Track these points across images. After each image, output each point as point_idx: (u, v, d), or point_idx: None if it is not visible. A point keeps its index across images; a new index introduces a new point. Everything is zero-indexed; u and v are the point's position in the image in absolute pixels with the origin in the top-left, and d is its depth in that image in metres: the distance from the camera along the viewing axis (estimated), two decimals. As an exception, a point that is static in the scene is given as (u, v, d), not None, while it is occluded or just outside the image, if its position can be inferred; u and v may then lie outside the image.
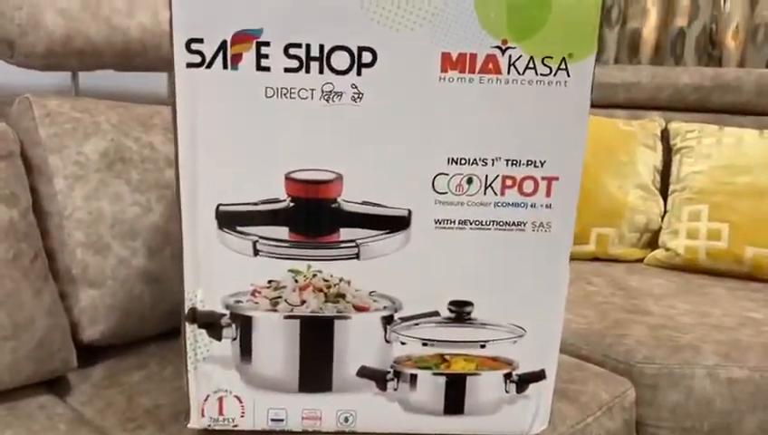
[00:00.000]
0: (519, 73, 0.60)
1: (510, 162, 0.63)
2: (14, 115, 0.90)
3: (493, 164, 0.62)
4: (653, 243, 1.45)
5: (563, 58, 0.60)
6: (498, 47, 0.60)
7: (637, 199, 1.45)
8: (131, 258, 0.86)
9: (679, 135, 1.53)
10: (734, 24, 1.76)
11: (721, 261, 1.33)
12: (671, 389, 0.93)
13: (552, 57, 0.60)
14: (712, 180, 1.40)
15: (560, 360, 0.71)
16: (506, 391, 0.68)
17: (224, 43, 0.59)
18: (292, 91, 0.60)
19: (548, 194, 0.63)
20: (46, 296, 0.80)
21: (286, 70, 0.59)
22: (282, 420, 0.68)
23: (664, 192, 1.50)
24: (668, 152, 1.54)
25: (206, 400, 0.67)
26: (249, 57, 0.59)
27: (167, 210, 0.90)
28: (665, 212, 1.46)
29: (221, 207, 0.62)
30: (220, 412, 0.68)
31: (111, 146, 0.90)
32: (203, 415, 0.68)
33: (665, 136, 1.56)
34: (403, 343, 0.66)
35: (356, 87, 0.60)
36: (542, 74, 0.60)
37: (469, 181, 0.63)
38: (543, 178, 0.63)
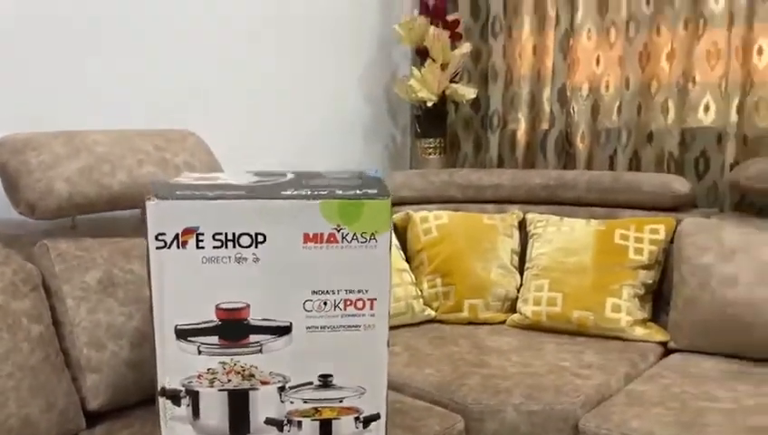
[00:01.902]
0: (348, 242, 1.06)
1: (348, 291, 1.08)
2: (36, 256, 1.33)
3: (338, 293, 1.07)
4: (512, 308, 1.91)
5: (372, 233, 1.06)
6: (335, 228, 1.05)
7: (498, 276, 1.92)
8: (120, 352, 1.28)
9: (532, 224, 2.01)
10: (581, 130, 2.28)
11: (557, 322, 1.80)
12: (490, 421, 1.37)
13: (366, 232, 1.06)
14: (552, 260, 1.88)
15: (412, 403, 1.15)
16: (356, 428, 1.12)
17: (177, 235, 1.03)
18: (217, 259, 1.04)
19: (371, 308, 1.09)
20: (64, 382, 1.21)
21: (214, 247, 1.04)
22: (220, 453, 1.10)
23: (522, 269, 1.97)
24: (526, 237, 2.02)
25: (172, 443, 1.09)
26: (192, 242, 1.03)
27: (144, 317, 1.33)
28: (521, 285, 1.94)
29: (178, 326, 1.06)
30: (181, 451, 1.10)
31: (104, 274, 1.33)
32: (170, 453, 1.10)
33: (523, 225, 2.05)
34: (292, 402, 1.10)
35: (255, 255, 1.05)
36: (361, 242, 1.06)
37: (325, 303, 1.08)
38: (368, 299, 1.08)
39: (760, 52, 1.96)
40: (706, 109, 2.06)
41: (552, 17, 2.30)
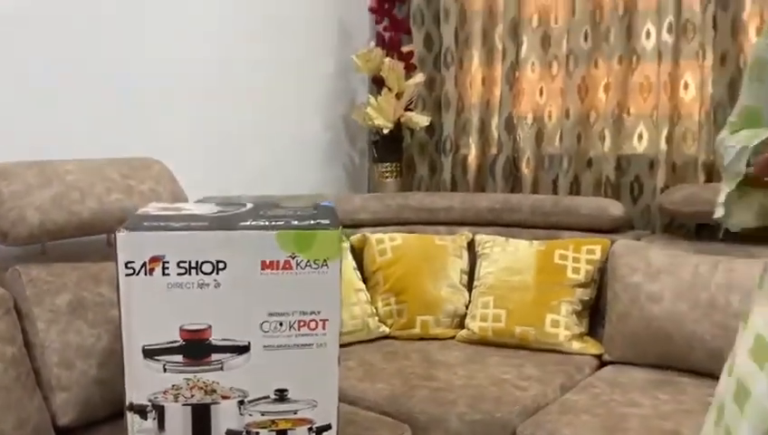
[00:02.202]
0: (302, 268, 1.17)
1: (301, 313, 1.19)
2: (9, 281, 1.41)
3: (292, 315, 1.19)
4: (461, 325, 2.04)
5: (324, 260, 1.18)
6: (290, 256, 1.17)
7: (448, 294, 2.05)
8: (89, 371, 1.37)
9: (480, 245, 2.15)
10: (527, 156, 2.44)
11: (501, 336, 1.94)
12: (436, 429, 1.49)
13: (318, 260, 1.17)
14: (497, 279, 2.02)
15: (364, 415, 1.26)
16: (310, 437, 1.23)
17: (144, 263, 1.13)
18: (181, 284, 1.14)
19: (323, 328, 1.20)
20: (36, 400, 1.30)
21: (178, 274, 1.14)
22: (183, 463, 1.20)
23: (470, 287, 2.10)
24: (474, 257, 2.16)
25: (139, 455, 1.18)
26: (158, 269, 1.14)
27: (112, 337, 1.41)
28: (469, 302, 2.07)
29: (145, 347, 1.15)
30: (147, 461, 1.19)
31: (74, 298, 1.41)
32: (137, 464, 1.19)
33: (472, 245, 2.18)
34: (250, 415, 1.20)
35: (216, 281, 1.15)
36: (314, 268, 1.18)
37: (281, 324, 1.19)
38: (320, 320, 1.20)
39: (686, 86, 2.14)
40: (640, 137, 2.24)
41: (500, 50, 2.46)
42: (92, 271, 1.48)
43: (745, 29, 2.02)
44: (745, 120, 1.06)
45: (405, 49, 2.54)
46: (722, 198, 1.04)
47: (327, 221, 1.23)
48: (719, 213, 1.06)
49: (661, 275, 1.77)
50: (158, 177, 1.74)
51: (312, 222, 1.21)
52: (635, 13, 2.19)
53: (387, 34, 2.53)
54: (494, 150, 2.54)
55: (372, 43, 2.54)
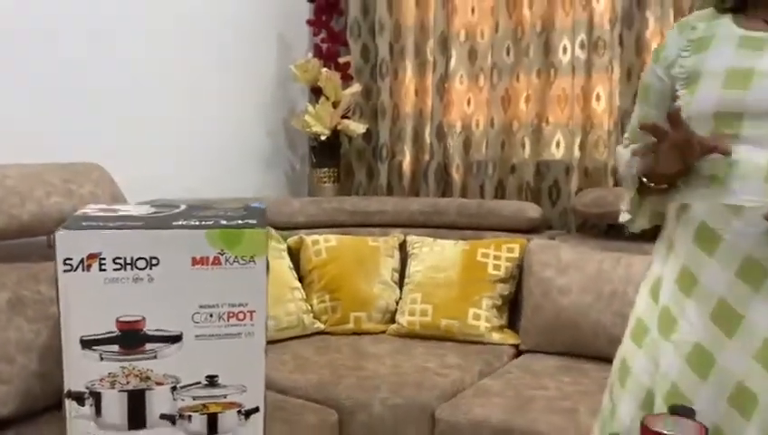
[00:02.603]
0: (230, 264, 1.28)
1: (230, 305, 1.30)
2: (-51, 280, 1.47)
3: (222, 307, 1.29)
4: (392, 320, 2.17)
5: (251, 256, 1.29)
6: (219, 253, 1.27)
7: (380, 291, 2.18)
8: (29, 365, 1.45)
9: (411, 245, 2.29)
10: (456, 162, 2.59)
11: (428, 329, 2.08)
12: (360, 413, 1.62)
13: (246, 256, 1.29)
14: (424, 276, 2.16)
15: (294, 402, 1.37)
16: (239, 420, 1.33)
17: (82, 259, 1.22)
18: (117, 279, 1.24)
19: (251, 319, 1.31)
20: (-23, 392, 1.36)
21: (114, 270, 1.23)
22: (119, 446, 1.29)
23: (402, 284, 2.24)
24: (406, 256, 2.29)
25: (77, 439, 1.27)
26: (95, 265, 1.23)
27: (51, 333, 1.49)
28: (400, 298, 2.20)
29: (83, 337, 1.24)
30: (85, 445, 1.27)
31: (14, 296, 1.49)
32: (75, 448, 1.27)
33: (403, 246, 2.32)
34: (183, 399, 1.30)
35: (150, 275, 1.25)
36: (242, 264, 1.29)
37: (211, 315, 1.29)
38: (248, 311, 1.31)
39: (597, 98, 2.33)
40: (557, 145, 2.42)
41: (431, 63, 2.62)
42: (32, 271, 1.56)
43: (648, 46, 2.22)
44: (635, 136, 1.22)
45: (342, 60, 2.67)
46: (625, 205, 1.20)
47: (254, 221, 1.34)
48: (624, 218, 1.22)
49: (570, 270, 1.94)
50: (97, 181, 1.82)
51: (240, 221, 1.32)
52: (552, 30, 2.37)
53: (324, 46, 2.65)
54: (426, 157, 2.69)
55: (310, 54, 2.66)
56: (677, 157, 1.01)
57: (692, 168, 1.05)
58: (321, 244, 2.23)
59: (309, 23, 2.69)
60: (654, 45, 2.21)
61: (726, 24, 1.08)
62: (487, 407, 1.59)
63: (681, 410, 0.90)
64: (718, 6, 1.11)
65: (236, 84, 2.53)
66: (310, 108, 2.59)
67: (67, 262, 1.22)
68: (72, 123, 2.00)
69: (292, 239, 2.26)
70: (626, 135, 1.27)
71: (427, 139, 2.67)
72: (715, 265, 1.02)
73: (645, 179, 1.10)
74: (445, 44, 2.58)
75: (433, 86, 2.62)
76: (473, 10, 2.53)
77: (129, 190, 1.93)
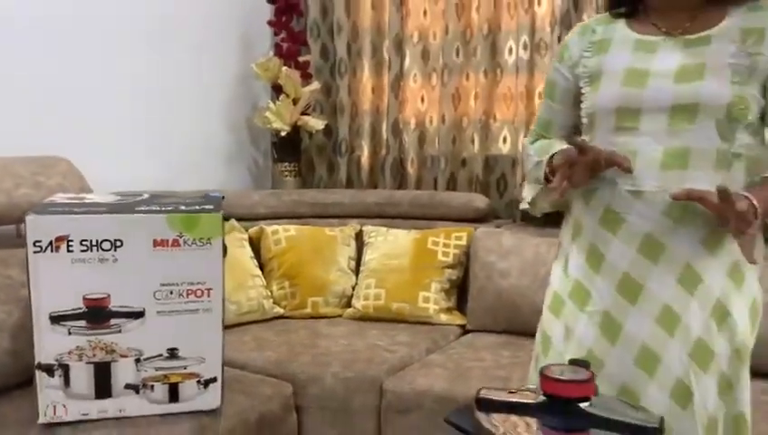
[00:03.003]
0: (189, 246, 1.41)
1: (189, 283, 1.42)
2: (-76, 265, 1.56)
3: (181, 285, 1.41)
4: (348, 304, 2.31)
5: (208, 238, 1.41)
6: (178, 235, 1.40)
7: (336, 278, 2.31)
8: (1, 343, 1.55)
9: (367, 234, 2.43)
10: (411, 157, 2.74)
11: (381, 312, 2.22)
12: (313, 386, 1.75)
13: (203, 238, 1.41)
14: (379, 263, 2.30)
15: (253, 377, 1.50)
16: (198, 389, 1.45)
17: (51, 241, 1.33)
18: (84, 260, 1.35)
19: (208, 296, 1.43)
20: (-49, 367, 1.46)
21: (81, 251, 1.35)
22: (87, 414, 1.40)
23: (358, 271, 2.37)
24: (362, 245, 2.43)
25: (47, 408, 1.38)
26: (63, 246, 1.34)
27: (21, 313, 1.59)
28: (356, 284, 2.34)
29: (52, 314, 1.35)
30: (54, 413, 1.39)
31: (-14, 279, 1.59)
32: (45, 416, 1.38)
33: (360, 235, 2.46)
34: (146, 370, 1.42)
35: (114, 256, 1.37)
36: (199, 246, 1.41)
37: (171, 293, 1.41)
38: (206, 289, 1.43)
39: (540, 96, 2.49)
40: (504, 140, 2.58)
41: (387, 62, 2.76)
42: (2, 256, 1.66)
43: (585, 48, 2.38)
44: (542, 129, 1.37)
45: (302, 59, 2.79)
46: (528, 196, 1.34)
47: (211, 207, 1.46)
48: (525, 205, 1.36)
49: (510, 255, 2.10)
50: (65, 173, 1.92)
51: (197, 207, 1.45)
52: (498, 33, 2.53)
53: (285, 45, 2.77)
54: (383, 152, 2.82)
55: (271, 53, 2.78)
56: (588, 172, 1.14)
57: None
58: (280, 234, 2.36)
59: (270, 23, 2.81)
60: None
61: (622, 29, 1.23)
62: (430, 377, 1.73)
63: (577, 362, 1.05)
64: (613, 12, 1.26)
65: (201, 82, 2.64)
66: (271, 105, 2.71)
67: (36, 244, 1.34)
68: (40, 119, 2.09)
69: (253, 229, 2.38)
70: (534, 128, 1.39)
71: (384, 134, 2.80)
72: (618, 244, 1.16)
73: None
74: (399, 45, 2.72)
75: (389, 85, 2.76)
76: (425, 13, 2.68)
77: (96, 184, 2.03)
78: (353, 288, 2.33)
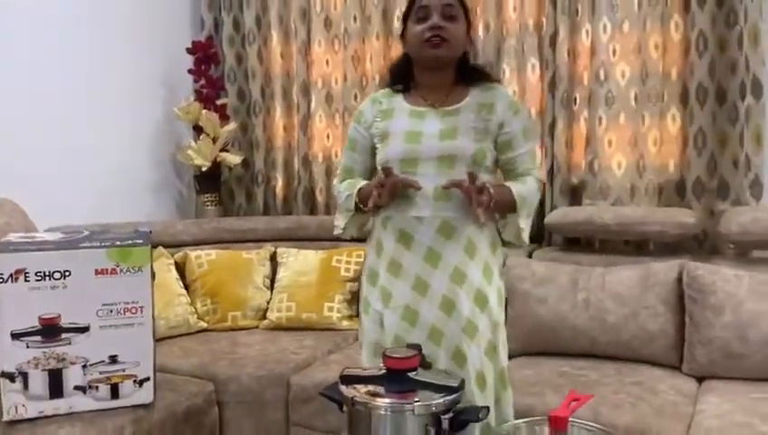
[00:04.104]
0: (124, 273, 1.77)
1: (125, 303, 1.78)
2: None
3: (119, 304, 1.77)
4: (264, 317, 2.69)
5: (139, 267, 1.78)
6: (115, 265, 1.76)
7: (253, 294, 2.69)
8: (-36, 359, 1.85)
9: (280, 256, 2.82)
10: (320, 186, 3.15)
11: (292, 322, 2.61)
12: (231, 384, 2.13)
13: (135, 266, 1.78)
14: (290, 280, 2.70)
15: (181, 379, 1.86)
16: (134, 387, 1.81)
17: (11, 273, 1.67)
18: (39, 287, 1.70)
19: (141, 313, 1.80)
20: (-77, 381, 1.77)
21: (36, 280, 1.69)
22: (43, 412, 1.74)
23: (272, 288, 2.76)
24: (276, 265, 2.82)
25: (9, 408, 1.71)
26: (21, 277, 1.68)
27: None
28: (270, 299, 2.72)
29: (12, 331, 1.69)
30: (16, 412, 1.71)
31: (-52, 307, 1.89)
32: (8, 414, 1.71)
33: (274, 256, 2.85)
34: (92, 374, 1.77)
35: (64, 284, 1.72)
36: (132, 273, 1.77)
37: (111, 311, 1.77)
38: (139, 307, 1.79)
39: (425, 134, 2.95)
40: (397, 171, 3.02)
41: (296, 104, 3.17)
42: (-38, 287, 1.96)
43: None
44: (346, 173, 1.77)
45: (220, 102, 3.17)
46: (340, 223, 1.74)
47: (141, 241, 1.83)
48: (338, 231, 1.78)
49: (397, 269, 2.53)
50: (11, 213, 2.23)
51: (130, 241, 1.81)
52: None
53: (204, 91, 3.14)
54: (296, 182, 3.23)
55: (192, 98, 3.14)
56: (392, 193, 1.56)
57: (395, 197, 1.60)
58: (203, 258, 2.72)
59: (190, 71, 3.17)
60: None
61: (400, 101, 1.68)
62: (328, 372, 2.13)
63: (411, 346, 1.48)
64: (393, 88, 1.71)
65: (130, 122, 2.98)
66: (192, 144, 3.07)
67: (0, 276, 1.67)
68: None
69: (178, 255, 2.73)
70: (338, 172, 1.80)
71: (296, 166, 3.20)
72: (410, 255, 1.59)
73: (362, 206, 1.64)
74: (306, 90, 3.14)
75: (298, 123, 3.16)
76: (327, 62, 3.11)
77: (35, 216, 2.34)
78: (268, 302, 2.71)
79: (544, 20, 2.63)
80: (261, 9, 3.21)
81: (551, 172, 2.64)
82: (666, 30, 2.46)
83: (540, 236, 2.64)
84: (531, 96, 2.68)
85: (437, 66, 1.63)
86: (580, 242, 2.58)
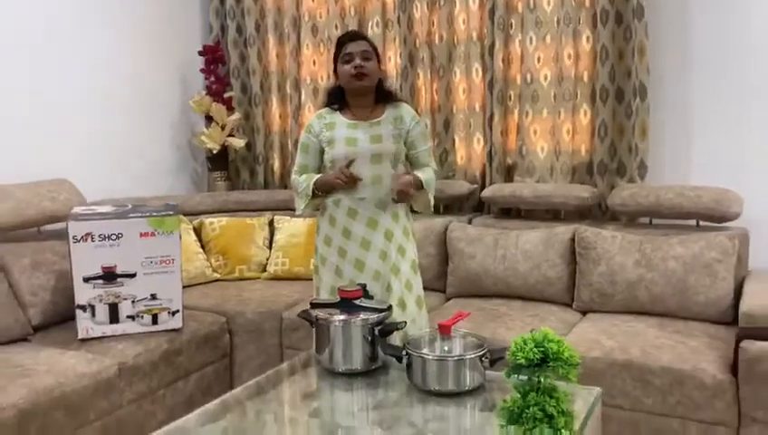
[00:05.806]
0: (160, 235, 2.48)
1: (162, 256, 2.49)
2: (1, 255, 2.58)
3: (158, 257, 2.48)
4: (265, 270, 3.40)
5: (171, 231, 2.48)
6: (154, 230, 2.46)
7: (256, 252, 3.40)
8: (46, 297, 2.58)
9: (276, 222, 3.52)
10: (309, 165, 3.82)
11: (287, 274, 3.32)
12: (239, 318, 2.85)
13: (167, 231, 2.48)
14: (285, 241, 3.40)
15: (200, 314, 2.59)
16: (168, 316, 2.53)
17: (83, 235, 2.38)
18: (102, 245, 2.41)
19: (173, 264, 2.51)
20: (18, 313, 2.50)
21: (99, 241, 2.40)
22: (105, 333, 2.47)
23: (271, 247, 3.46)
24: (274, 230, 3.52)
25: (82, 329, 2.43)
26: (89, 239, 2.39)
27: (57, 278, 2.62)
28: (269, 256, 3.43)
29: (84, 276, 2.40)
30: (86, 333, 2.44)
31: (32, 260, 2.61)
32: (81, 334, 2.44)
33: (272, 223, 3.55)
34: (138, 307, 2.49)
35: (118, 242, 2.43)
36: (166, 235, 2.48)
37: (151, 262, 2.48)
38: (170, 259, 2.50)
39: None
40: (372, 152, 3.69)
41: (289, 96, 3.83)
42: (40, 246, 2.68)
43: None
44: (301, 170, 2.45)
45: (227, 95, 3.83)
46: (299, 206, 2.43)
47: (171, 212, 2.53)
48: (298, 211, 2.47)
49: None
50: (69, 190, 2.94)
51: (164, 212, 2.51)
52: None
53: (213, 86, 3.80)
54: (289, 162, 3.90)
55: (203, 92, 3.81)
56: (351, 183, 2.27)
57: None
58: (215, 224, 3.42)
59: (201, 70, 3.83)
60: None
61: (339, 116, 2.35)
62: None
63: (360, 284, 2.18)
64: (330, 108, 2.38)
65: (156, 115, 3.66)
66: (204, 130, 3.75)
67: (74, 238, 2.38)
68: (40, 142, 3.08)
69: (196, 222, 3.44)
70: (295, 168, 2.46)
71: (290, 148, 3.88)
72: (357, 224, 2.30)
73: (318, 192, 2.33)
74: (297, 85, 3.79)
75: (291, 113, 3.83)
76: (314, 62, 3.76)
77: (86, 193, 3.05)
78: (267, 259, 3.42)
79: (486, 32, 3.26)
80: (260, 16, 3.85)
81: (489, 155, 3.30)
82: (578, 42, 3.09)
83: (480, 206, 3.32)
84: (475, 94, 3.33)
85: (362, 93, 2.31)
86: (510, 211, 3.26)
